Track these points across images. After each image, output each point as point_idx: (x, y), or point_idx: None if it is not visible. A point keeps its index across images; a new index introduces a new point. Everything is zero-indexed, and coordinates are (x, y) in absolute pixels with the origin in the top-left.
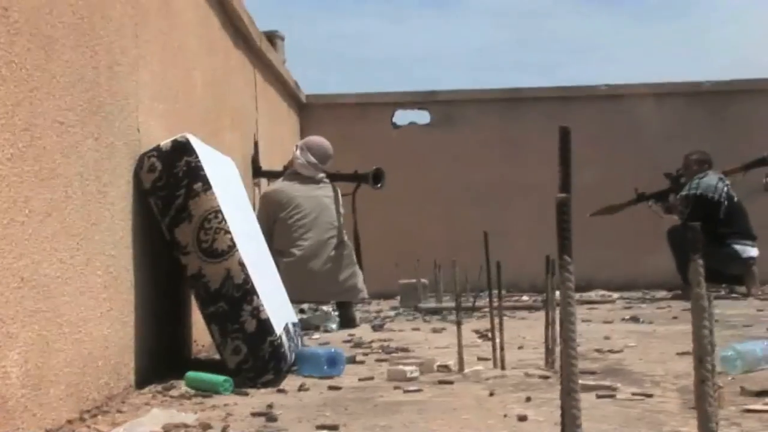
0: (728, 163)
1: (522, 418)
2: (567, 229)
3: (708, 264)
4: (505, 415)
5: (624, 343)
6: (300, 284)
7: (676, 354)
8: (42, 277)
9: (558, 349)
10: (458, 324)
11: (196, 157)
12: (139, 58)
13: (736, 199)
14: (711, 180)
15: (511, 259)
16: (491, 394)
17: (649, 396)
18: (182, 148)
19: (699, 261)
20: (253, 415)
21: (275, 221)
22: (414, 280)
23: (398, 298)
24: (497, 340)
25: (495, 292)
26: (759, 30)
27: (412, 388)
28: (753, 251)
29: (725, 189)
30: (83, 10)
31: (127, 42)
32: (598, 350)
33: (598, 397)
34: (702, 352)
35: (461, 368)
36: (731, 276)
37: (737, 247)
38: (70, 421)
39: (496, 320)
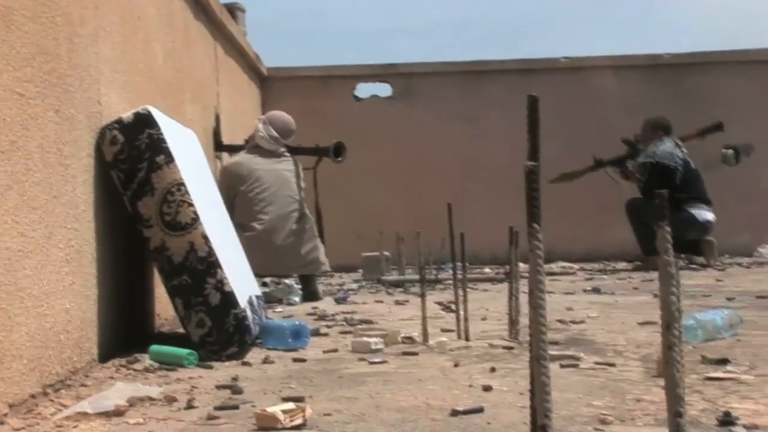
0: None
1: (487, 389)
2: (536, 198)
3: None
4: (470, 386)
5: (586, 313)
6: (262, 258)
7: (637, 324)
8: (3, 251)
9: (522, 320)
10: (422, 296)
11: (159, 129)
12: (99, 29)
13: (692, 164)
14: (667, 147)
15: (472, 232)
16: (456, 365)
17: (612, 365)
18: (144, 121)
19: (666, 228)
20: (218, 387)
21: (236, 195)
22: (376, 253)
23: (360, 271)
24: (461, 312)
25: (458, 264)
26: (719, 2)
27: (376, 359)
28: (709, 215)
29: (681, 156)
30: None
31: (86, 13)
32: (560, 321)
33: (562, 366)
34: (670, 318)
35: (425, 340)
36: (690, 243)
37: (693, 211)
38: (33, 396)
39: (460, 292)
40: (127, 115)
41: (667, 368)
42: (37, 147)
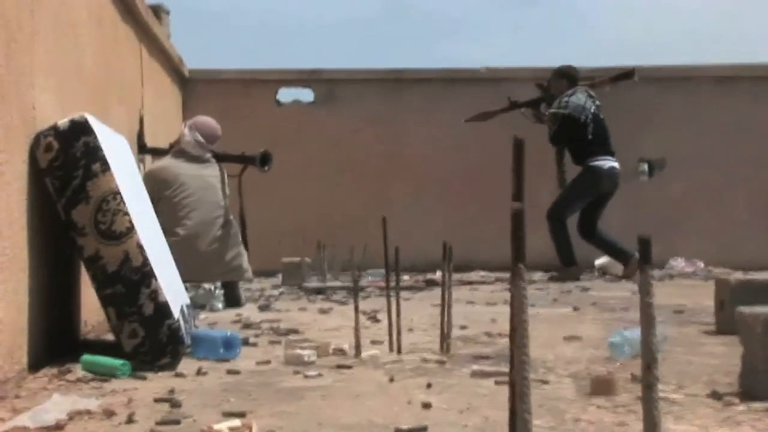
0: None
1: (426, 405)
2: (521, 238)
3: (579, 191)
4: (409, 402)
5: None
6: (185, 264)
7: (563, 338)
8: None
9: (453, 334)
10: (356, 309)
11: (95, 137)
12: (34, 33)
13: (601, 116)
14: (579, 99)
15: (391, 239)
16: (391, 380)
17: (545, 382)
18: (80, 128)
19: (650, 273)
20: (156, 400)
21: (160, 199)
22: (297, 259)
23: (280, 276)
24: (393, 324)
25: (382, 272)
26: (640, 17)
27: (311, 373)
28: (613, 162)
29: (593, 109)
30: None
31: (23, 16)
32: (487, 333)
33: (497, 383)
34: (650, 360)
35: (358, 352)
36: (619, 252)
37: (598, 162)
38: None
39: (392, 302)
40: (62, 121)
41: (646, 407)
42: None
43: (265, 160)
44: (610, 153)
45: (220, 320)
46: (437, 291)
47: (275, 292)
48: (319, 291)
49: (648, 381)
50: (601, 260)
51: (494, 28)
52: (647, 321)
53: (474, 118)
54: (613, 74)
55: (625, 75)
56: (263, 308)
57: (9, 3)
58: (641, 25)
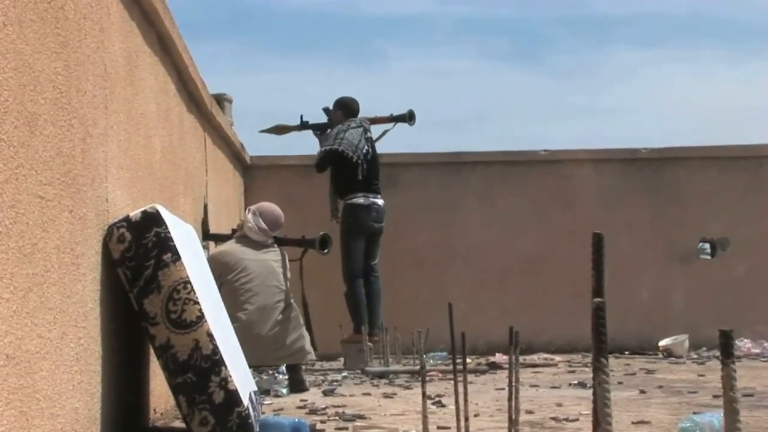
0: (664, 228)
1: None
2: (603, 333)
3: (345, 233)
4: None
5: (578, 410)
6: (247, 348)
7: (631, 423)
8: (24, 354)
9: (519, 418)
10: (423, 394)
11: (166, 228)
12: (108, 128)
13: (370, 156)
14: (354, 138)
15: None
16: None
17: None
18: (152, 219)
19: (732, 367)
20: None
21: (222, 284)
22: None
23: (341, 359)
24: (461, 410)
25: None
26: (690, 100)
27: None
28: (374, 198)
29: (365, 148)
30: (62, 85)
31: (98, 113)
32: (554, 419)
33: None
34: None
35: None
36: (359, 315)
37: (354, 200)
38: None
39: (456, 387)
40: (135, 213)
41: None
42: (54, 248)
43: (324, 243)
44: (373, 191)
45: (284, 406)
46: (500, 374)
47: (338, 377)
48: (381, 375)
49: None
50: (666, 341)
51: (552, 109)
52: (731, 414)
53: (269, 130)
54: (394, 115)
55: (402, 117)
56: (327, 393)
57: (85, 100)
58: (703, 104)
